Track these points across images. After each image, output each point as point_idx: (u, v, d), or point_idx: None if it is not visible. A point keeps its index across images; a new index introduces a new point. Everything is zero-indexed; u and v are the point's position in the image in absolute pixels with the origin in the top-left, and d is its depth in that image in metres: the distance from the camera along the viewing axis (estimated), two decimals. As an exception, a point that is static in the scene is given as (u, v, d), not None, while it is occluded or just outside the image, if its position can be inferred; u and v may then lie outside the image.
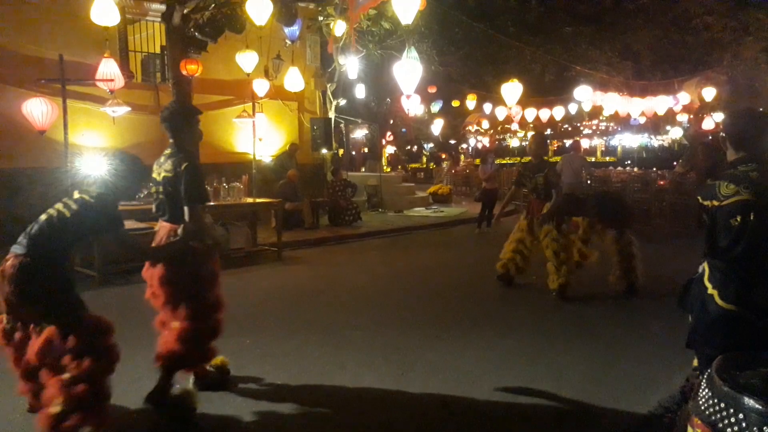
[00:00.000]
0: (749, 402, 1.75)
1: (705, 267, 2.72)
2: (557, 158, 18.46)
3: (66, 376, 2.82)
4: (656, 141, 29.30)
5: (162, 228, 3.54)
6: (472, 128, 25.71)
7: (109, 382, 2.99)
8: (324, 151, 13.47)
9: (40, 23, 9.54)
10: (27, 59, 9.29)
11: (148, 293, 3.61)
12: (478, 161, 20.53)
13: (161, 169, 3.48)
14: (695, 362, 2.89)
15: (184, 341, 3.40)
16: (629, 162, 26.31)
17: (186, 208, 3.37)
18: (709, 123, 17.35)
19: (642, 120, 19.77)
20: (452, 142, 30.01)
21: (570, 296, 6.21)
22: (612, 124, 24.94)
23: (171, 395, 3.46)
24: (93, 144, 9.81)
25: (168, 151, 3.52)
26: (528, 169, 6.73)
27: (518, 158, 26.99)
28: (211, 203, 8.11)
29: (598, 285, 6.57)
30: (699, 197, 2.73)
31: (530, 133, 24.24)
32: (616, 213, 6.61)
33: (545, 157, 7.08)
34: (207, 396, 3.76)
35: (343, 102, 14.90)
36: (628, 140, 29.84)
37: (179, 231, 3.39)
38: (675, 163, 18.08)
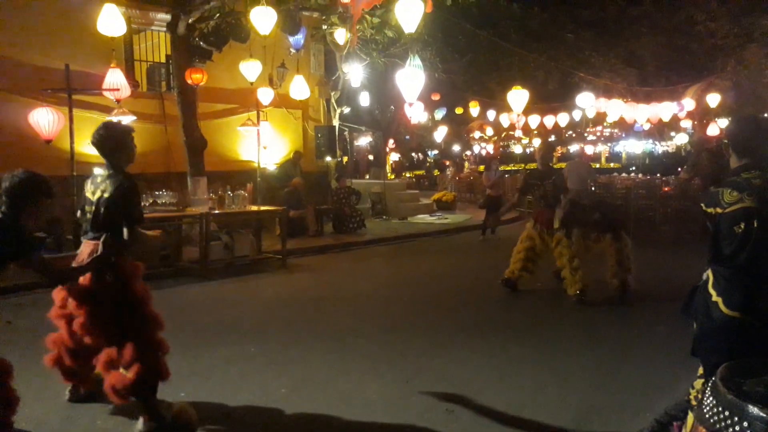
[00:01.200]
0: (753, 410, 1.74)
1: (709, 274, 2.71)
2: (562, 164, 18.45)
3: None
4: (661, 147, 29.28)
5: (86, 246, 3.45)
6: (476, 135, 25.75)
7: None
8: (328, 158, 13.51)
9: (46, 33, 9.63)
10: (34, 69, 9.37)
11: (55, 313, 3.52)
12: (482, 168, 20.55)
13: (98, 189, 3.44)
14: (700, 370, 2.88)
15: (135, 364, 3.27)
16: (634, 168, 26.28)
17: (125, 229, 3.37)
18: (713, 129, 17.30)
19: (646, 126, 19.74)
20: (456, 149, 30.04)
21: (589, 300, 6.25)
22: (616, 130, 24.92)
23: (167, 419, 3.35)
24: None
25: (105, 172, 3.48)
26: (534, 177, 6.78)
27: (522, 165, 27.00)
28: (216, 211, 8.15)
29: (602, 290, 6.56)
30: (702, 204, 2.73)
31: (536, 140, 24.29)
32: (612, 219, 6.74)
33: (550, 164, 7.15)
34: (209, 404, 3.77)
35: (347, 110, 14.95)
36: (632, 146, 29.83)
37: (99, 246, 3.33)
38: (680, 169, 18.03)
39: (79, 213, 3.70)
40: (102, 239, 3.35)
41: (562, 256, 6.39)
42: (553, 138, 24.96)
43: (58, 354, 3.63)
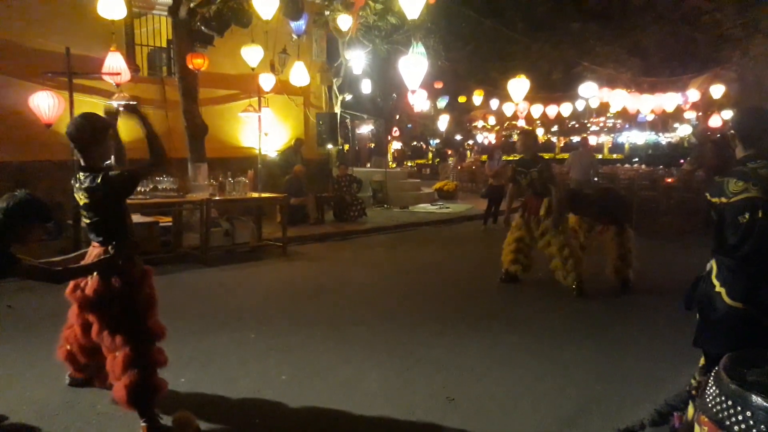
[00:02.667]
0: (757, 400, 1.74)
1: (713, 264, 2.70)
2: (565, 155, 18.44)
3: None
4: (664, 138, 29.18)
5: (93, 249, 3.33)
6: (479, 124, 25.67)
7: None
8: (329, 146, 13.47)
9: (47, 16, 9.55)
10: (34, 52, 9.30)
11: (72, 314, 3.45)
12: (484, 157, 20.50)
13: (80, 195, 3.25)
14: (702, 360, 2.87)
15: (133, 370, 3.13)
16: (637, 159, 26.20)
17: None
18: (717, 120, 17.23)
19: (650, 117, 19.67)
20: (458, 138, 29.96)
21: (587, 290, 6.19)
22: (620, 120, 24.83)
23: (166, 429, 3.23)
24: (99, 138, 9.82)
25: (81, 174, 3.21)
26: (521, 165, 6.62)
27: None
28: (217, 198, 8.13)
29: (603, 281, 6.55)
30: (707, 194, 2.71)
31: (539, 130, 24.21)
32: (618, 210, 6.58)
33: (538, 153, 6.87)
34: (209, 391, 3.78)
35: (349, 97, 14.89)
36: (635, 137, 29.74)
37: (109, 249, 3.20)
38: (683, 160, 17.99)
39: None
40: (113, 246, 3.20)
41: (551, 246, 6.27)
42: (555, 128, 24.87)
43: (71, 349, 3.58)
